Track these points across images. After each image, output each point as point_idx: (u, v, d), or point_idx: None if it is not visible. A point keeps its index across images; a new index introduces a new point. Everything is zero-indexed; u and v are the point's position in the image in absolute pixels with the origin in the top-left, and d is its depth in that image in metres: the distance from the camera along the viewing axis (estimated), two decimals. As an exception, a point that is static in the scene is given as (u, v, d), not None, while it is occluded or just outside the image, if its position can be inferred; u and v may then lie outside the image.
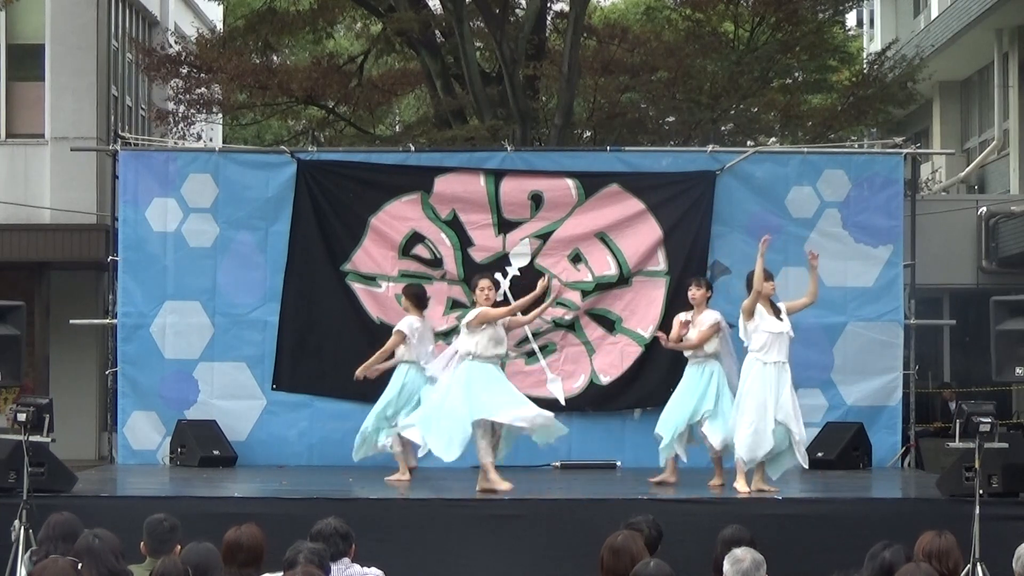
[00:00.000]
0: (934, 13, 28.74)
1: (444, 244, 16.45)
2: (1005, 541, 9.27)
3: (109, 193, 17.41)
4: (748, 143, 23.12)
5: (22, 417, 11.38)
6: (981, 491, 11.29)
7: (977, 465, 11.30)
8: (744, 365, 13.16)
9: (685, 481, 13.92)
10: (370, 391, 14.54)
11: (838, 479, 14.82)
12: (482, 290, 13.32)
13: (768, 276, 13.20)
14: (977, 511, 10.96)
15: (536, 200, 16.48)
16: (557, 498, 12.95)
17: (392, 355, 14.16)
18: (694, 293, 13.80)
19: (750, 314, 13.06)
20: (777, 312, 13.16)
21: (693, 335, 13.67)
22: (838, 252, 16.39)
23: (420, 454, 13.69)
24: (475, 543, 11.97)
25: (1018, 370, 12.37)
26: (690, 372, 13.76)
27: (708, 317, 13.68)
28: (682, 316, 13.89)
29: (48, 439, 11.63)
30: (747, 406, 12.94)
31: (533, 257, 16.44)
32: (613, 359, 16.28)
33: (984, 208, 21.47)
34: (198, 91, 23.71)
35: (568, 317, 16.36)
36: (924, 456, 17.36)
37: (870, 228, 16.45)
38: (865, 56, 28.62)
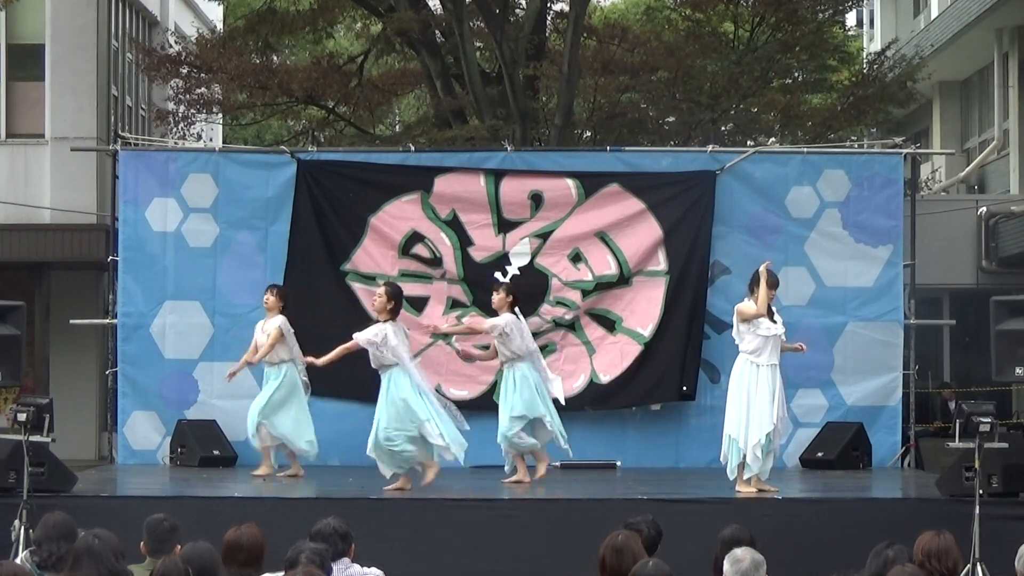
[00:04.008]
0: (934, 13, 28.70)
1: (444, 244, 16.45)
2: (1005, 541, 9.29)
3: (109, 193, 17.42)
4: (748, 143, 23.09)
5: (22, 417, 11.40)
6: (981, 491, 11.30)
7: (977, 465, 11.31)
8: (737, 366, 13.14)
9: (685, 481, 13.91)
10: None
11: (838, 479, 14.82)
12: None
13: (774, 283, 13.17)
14: (977, 511, 10.97)
15: (536, 200, 16.48)
16: (557, 498, 12.95)
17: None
18: (494, 299, 14.06)
19: (745, 318, 13.04)
20: (771, 314, 13.14)
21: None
22: (838, 252, 16.41)
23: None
24: (475, 543, 11.98)
25: (1018, 370, 12.37)
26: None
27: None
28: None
29: (48, 439, 11.64)
30: (758, 409, 12.89)
31: (533, 257, 16.44)
32: (613, 358, 16.27)
33: (984, 208, 21.45)
34: (198, 91, 23.69)
35: (568, 317, 16.36)
36: (924, 456, 17.36)
37: (870, 228, 16.44)
38: (865, 56, 28.59)
